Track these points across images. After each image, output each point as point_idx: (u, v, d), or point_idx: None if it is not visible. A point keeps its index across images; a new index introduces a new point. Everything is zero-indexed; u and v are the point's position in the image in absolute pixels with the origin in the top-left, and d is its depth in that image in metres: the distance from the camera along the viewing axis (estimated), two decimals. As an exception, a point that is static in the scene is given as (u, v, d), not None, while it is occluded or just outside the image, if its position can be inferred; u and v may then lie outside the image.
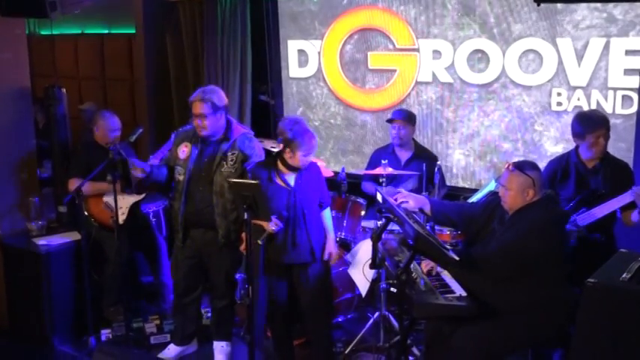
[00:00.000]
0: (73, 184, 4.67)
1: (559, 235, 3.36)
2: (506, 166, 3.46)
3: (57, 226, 5.03)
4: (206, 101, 4.01)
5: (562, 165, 4.09)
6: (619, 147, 4.74)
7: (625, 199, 3.73)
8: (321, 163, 5.12)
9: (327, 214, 4.10)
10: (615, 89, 4.72)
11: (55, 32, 7.35)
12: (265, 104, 6.28)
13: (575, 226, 3.89)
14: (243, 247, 4.04)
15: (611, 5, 4.62)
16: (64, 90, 5.33)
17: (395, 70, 5.65)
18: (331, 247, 4.03)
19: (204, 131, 4.07)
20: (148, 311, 5.00)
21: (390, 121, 4.99)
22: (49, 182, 5.66)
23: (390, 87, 5.70)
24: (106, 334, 4.69)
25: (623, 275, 2.92)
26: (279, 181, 3.88)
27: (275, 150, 5.14)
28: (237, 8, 5.91)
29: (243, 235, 3.88)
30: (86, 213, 4.78)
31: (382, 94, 5.76)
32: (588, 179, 3.96)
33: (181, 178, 4.17)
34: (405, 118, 4.91)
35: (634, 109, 4.64)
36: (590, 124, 3.92)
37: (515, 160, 3.73)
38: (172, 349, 4.44)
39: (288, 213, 3.83)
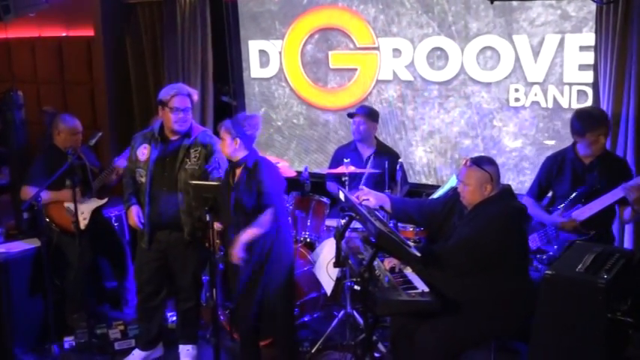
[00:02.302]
0: (27, 191, 4.57)
1: (517, 229, 3.41)
2: (464, 162, 3.50)
3: (16, 233, 4.93)
4: (189, 96, 4.08)
5: (558, 161, 4.06)
6: (575, 141, 4.84)
7: (616, 194, 3.69)
8: (284, 163, 5.14)
9: (264, 217, 3.76)
10: (571, 84, 4.80)
11: (10, 36, 7.20)
12: (227, 105, 6.25)
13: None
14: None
15: (564, 2, 4.70)
16: (20, 93, 5.22)
17: (356, 69, 5.66)
18: (236, 246, 3.72)
19: (183, 126, 4.07)
20: (111, 317, 4.93)
21: (350, 115, 5.01)
22: (6, 189, 5.54)
23: (351, 86, 5.72)
24: (69, 341, 4.61)
25: (579, 267, 2.99)
26: (230, 180, 3.89)
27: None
28: (196, 9, 5.87)
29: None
30: (47, 219, 4.69)
31: (344, 93, 5.77)
32: (584, 176, 3.93)
33: (143, 179, 4.13)
34: (365, 113, 4.94)
35: (589, 103, 4.72)
36: (590, 123, 3.84)
37: (476, 155, 3.78)
38: (137, 355, 4.39)
39: (231, 211, 3.81)
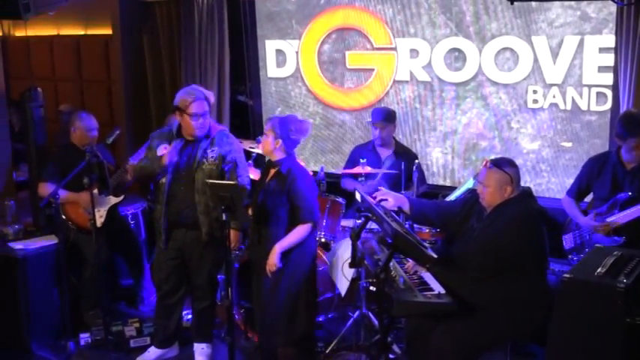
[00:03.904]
0: (44, 188, 4.62)
1: (536, 231, 3.38)
2: (484, 163, 3.48)
3: (34, 230, 4.96)
4: (206, 100, 4.05)
5: (600, 163, 4.02)
6: (594, 143, 4.81)
7: None
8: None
9: (301, 228, 3.81)
10: (590, 86, 4.77)
11: (29, 34, 7.26)
12: (244, 104, 6.27)
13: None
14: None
15: (584, 3, 4.67)
16: (40, 91, 5.25)
17: (373, 70, 5.66)
18: (271, 257, 3.75)
19: (202, 131, 4.07)
20: (127, 314, 4.96)
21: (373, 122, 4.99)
22: (25, 186, 5.58)
23: (368, 86, 5.72)
24: (85, 338, 4.64)
25: (598, 270, 2.96)
26: (264, 179, 3.90)
27: (254, 150, 5.15)
28: (214, 8, 5.89)
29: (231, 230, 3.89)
30: (64, 216, 4.73)
31: (360, 94, 5.77)
32: (624, 181, 3.87)
33: (163, 179, 4.15)
34: (384, 119, 4.91)
35: (608, 105, 4.69)
36: (632, 128, 3.79)
37: (493, 157, 3.75)
38: (152, 352, 4.41)
39: (256, 210, 3.81)
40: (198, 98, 4.02)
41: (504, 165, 3.43)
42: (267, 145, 3.83)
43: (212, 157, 4.09)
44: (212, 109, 5.84)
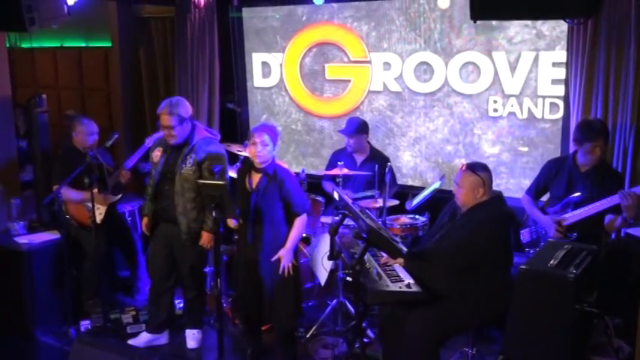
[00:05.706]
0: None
1: (504, 234, 3.40)
2: (461, 166, 3.51)
3: (38, 226, 4.90)
4: (173, 114, 3.96)
5: (557, 165, 4.03)
6: (548, 148, 4.86)
7: (610, 202, 3.62)
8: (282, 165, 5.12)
9: (298, 222, 3.83)
10: (544, 97, 4.82)
11: (35, 45, 7.18)
12: (232, 112, 6.25)
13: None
14: (202, 241, 4.06)
15: (539, 23, 4.72)
16: (44, 97, 5.19)
17: (349, 81, 5.67)
18: (282, 252, 3.76)
19: (173, 140, 4.05)
20: (124, 303, 4.92)
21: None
22: (30, 185, 5.51)
23: (345, 96, 5.72)
24: (85, 325, 4.60)
25: (551, 262, 3.00)
26: (246, 184, 3.84)
27: (241, 153, 5.13)
28: (205, 23, 5.86)
29: (203, 232, 3.99)
30: (66, 214, 4.67)
31: (338, 103, 5.77)
32: (577, 183, 3.88)
33: (153, 178, 4.16)
34: (353, 131, 4.93)
35: (560, 114, 4.75)
36: (588, 134, 3.80)
37: (459, 161, 3.77)
38: (143, 337, 4.38)
39: (249, 213, 3.78)
40: (165, 113, 3.97)
41: (478, 169, 3.44)
42: (268, 153, 3.74)
43: (189, 163, 4.05)
44: (203, 115, 5.89)
